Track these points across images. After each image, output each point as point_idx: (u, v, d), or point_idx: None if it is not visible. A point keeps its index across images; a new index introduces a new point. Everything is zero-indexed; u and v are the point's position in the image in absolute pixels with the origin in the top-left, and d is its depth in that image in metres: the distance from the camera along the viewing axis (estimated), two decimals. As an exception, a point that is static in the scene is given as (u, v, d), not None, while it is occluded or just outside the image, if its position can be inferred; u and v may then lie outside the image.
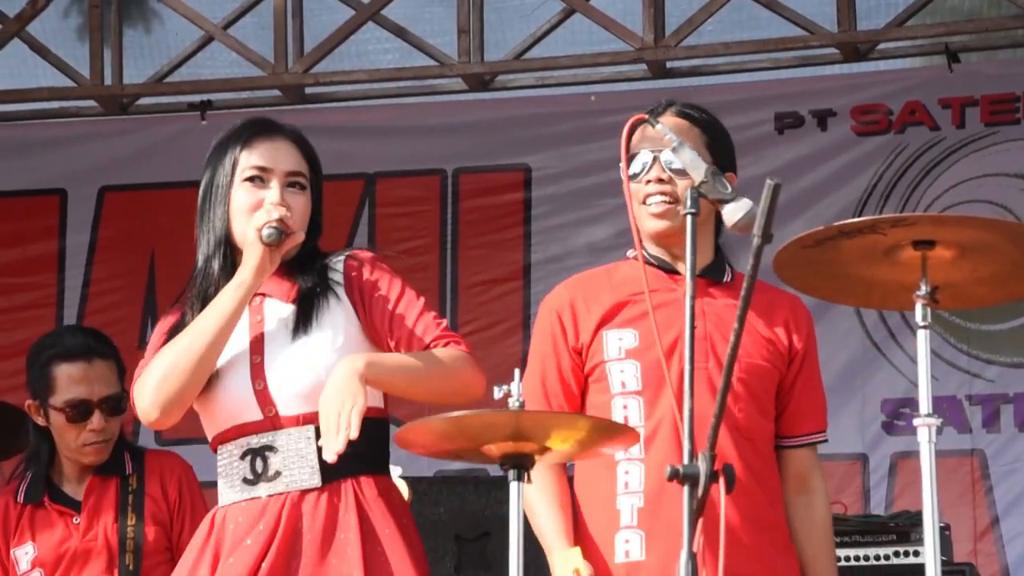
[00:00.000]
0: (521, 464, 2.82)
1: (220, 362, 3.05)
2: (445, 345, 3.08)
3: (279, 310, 3.08)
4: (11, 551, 4.01)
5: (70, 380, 3.98)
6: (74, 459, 4.01)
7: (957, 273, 2.77)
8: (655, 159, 3.08)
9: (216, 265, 3.08)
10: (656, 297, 3.03)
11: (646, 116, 2.98)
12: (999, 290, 2.84)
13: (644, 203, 3.10)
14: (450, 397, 3.03)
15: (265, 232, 3.00)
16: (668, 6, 6.06)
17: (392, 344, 3.07)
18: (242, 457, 3.03)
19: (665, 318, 3.01)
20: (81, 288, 6.39)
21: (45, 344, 4.09)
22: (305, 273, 3.09)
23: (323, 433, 2.91)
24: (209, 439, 3.12)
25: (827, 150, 6.07)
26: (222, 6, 6.33)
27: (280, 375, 3.03)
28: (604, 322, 3.11)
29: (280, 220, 3.03)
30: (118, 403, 3.98)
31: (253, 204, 3.06)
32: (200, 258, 3.11)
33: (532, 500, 3.11)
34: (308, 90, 6.34)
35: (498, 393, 2.84)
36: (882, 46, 6.15)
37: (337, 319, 3.06)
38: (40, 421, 4.03)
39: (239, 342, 3.07)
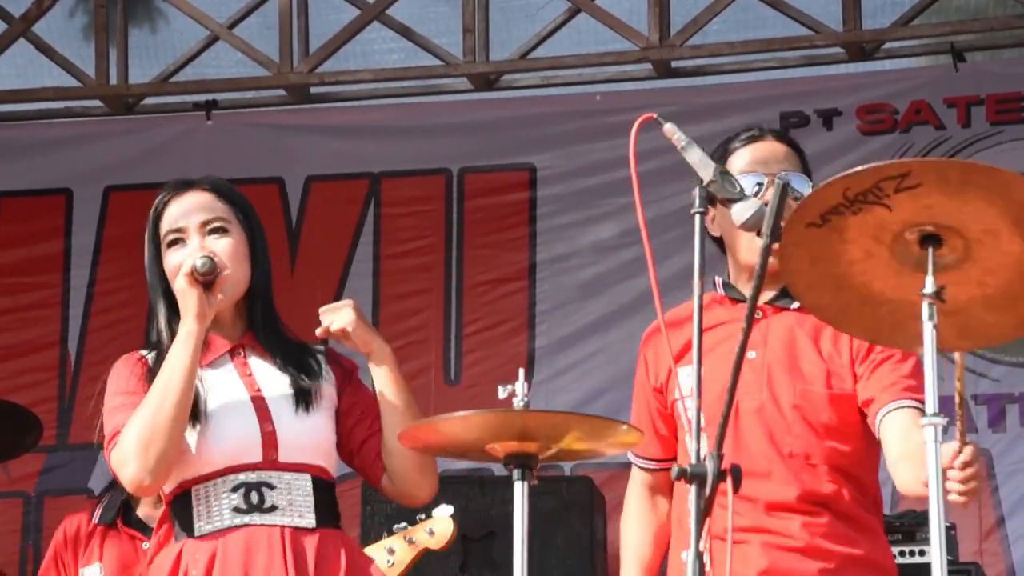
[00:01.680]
0: (525, 464, 2.82)
1: (214, 407, 3.06)
2: None
3: (267, 367, 3.11)
4: (79, 569, 4.01)
5: None
6: None
7: (962, 292, 2.65)
8: (771, 182, 3.10)
9: (165, 335, 3.12)
10: (727, 329, 3.03)
11: (655, 115, 2.98)
12: (1007, 313, 2.71)
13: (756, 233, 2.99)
14: (417, 466, 3.09)
15: (199, 262, 3.01)
16: (673, 6, 6.06)
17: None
18: (233, 490, 3.04)
19: (726, 351, 2.96)
20: (86, 288, 6.40)
21: None
22: (275, 332, 3.14)
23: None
24: (180, 482, 3.07)
25: (833, 150, 6.07)
26: (227, 6, 6.33)
27: (290, 421, 3.06)
28: (678, 359, 3.09)
29: (205, 256, 3.03)
30: None
31: (179, 264, 3.08)
32: (153, 331, 3.15)
33: (626, 527, 3.23)
34: (313, 90, 6.35)
35: (503, 393, 2.84)
36: (887, 45, 6.14)
37: (332, 398, 3.12)
38: None
39: (232, 387, 3.09)
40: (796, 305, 3.12)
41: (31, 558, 6.00)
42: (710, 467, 2.52)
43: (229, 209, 3.12)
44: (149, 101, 6.52)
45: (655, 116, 2.92)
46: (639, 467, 3.24)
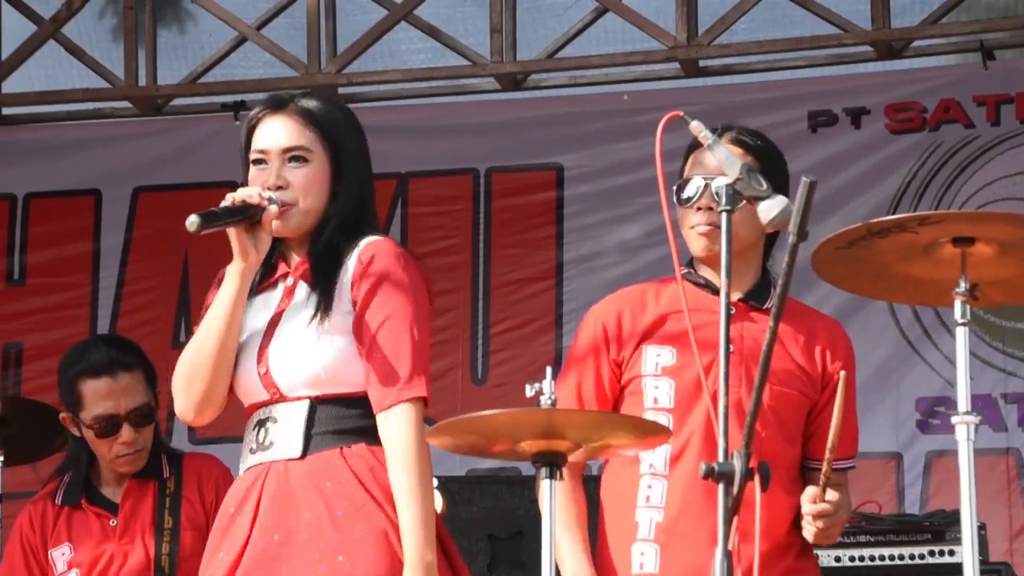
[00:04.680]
0: (553, 462, 2.82)
1: (243, 341, 3.09)
2: (393, 407, 3.01)
3: (304, 295, 3.10)
4: (48, 552, 4.03)
5: (96, 396, 3.99)
6: (110, 468, 4.03)
7: (1002, 269, 2.75)
8: (706, 186, 3.13)
9: None
10: (697, 317, 3.03)
11: (681, 113, 2.98)
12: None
13: (692, 227, 3.14)
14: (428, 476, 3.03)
15: (186, 222, 3.02)
16: (701, 5, 6.05)
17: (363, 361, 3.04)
18: (253, 428, 3.09)
19: (704, 339, 3.01)
20: (115, 288, 6.42)
21: (71, 360, 4.10)
22: (325, 256, 3.08)
23: None
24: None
25: (861, 148, 6.05)
26: (255, 7, 6.35)
27: (281, 362, 3.05)
28: (645, 336, 3.14)
29: (241, 199, 3.01)
30: (147, 413, 4.00)
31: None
32: None
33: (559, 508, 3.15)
34: (341, 90, 6.35)
35: (530, 391, 2.84)
36: (916, 44, 6.12)
37: (343, 311, 3.06)
38: (75, 432, 4.06)
39: (259, 322, 3.10)
40: (767, 305, 3.16)
41: None
42: (738, 465, 2.51)
43: (315, 136, 3.11)
44: (177, 102, 6.54)
45: (681, 114, 2.92)
46: None
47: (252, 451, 3.08)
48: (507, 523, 5.19)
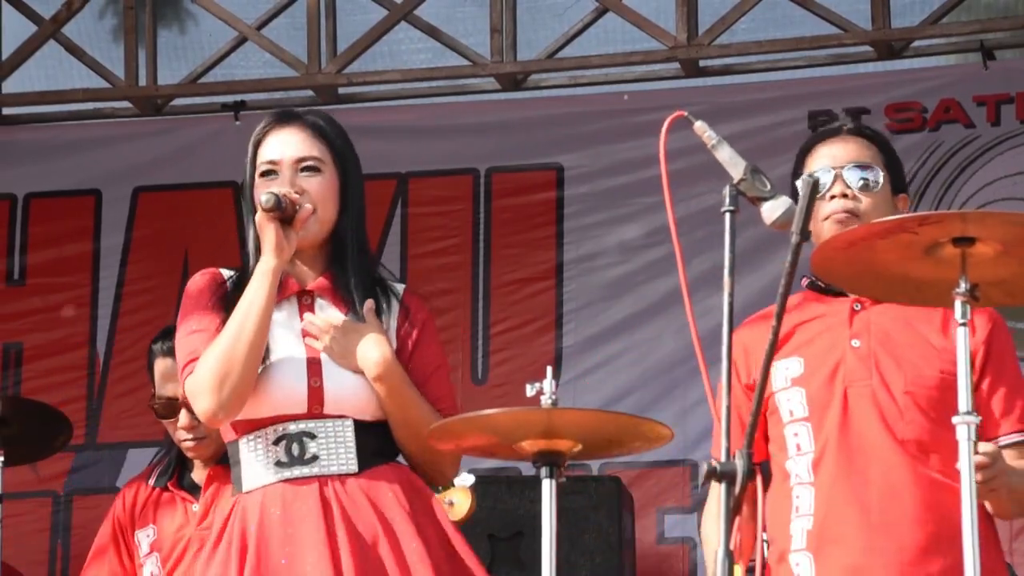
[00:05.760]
0: (553, 462, 2.82)
1: (273, 349, 3.09)
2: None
3: (332, 314, 3.10)
4: (135, 533, 4.04)
5: (163, 377, 4.05)
6: (186, 452, 4.04)
7: (1003, 269, 2.75)
8: (836, 176, 3.16)
9: (252, 260, 3.13)
10: (824, 322, 3.06)
11: (685, 113, 2.98)
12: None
13: (827, 219, 3.14)
14: (425, 448, 3.06)
15: (263, 197, 3.01)
16: (701, 5, 6.05)
17: None
18: (275, 442, 3.07)
19: (828, 342, 3.04)
20: (115, 288, 6.42)
21: (155, 338, 4.14)
22: (358, 277, 3.11)
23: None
24: (233, 427, 3.13)
25: (861, 148, 6.05)
26: (255, 7, 6.35)
27: (337, 379, 3.07)
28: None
29: (282, 194, 3.04)
30: None
31: None
32: (243, 254, 3.18)
33: (707, 531, 3.19)
34: (341, 90, 6.35)
35: (530, 391, 2.84)
36: (916, 44, 6.12)
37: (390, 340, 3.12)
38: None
39: (289, 337, 3.10)
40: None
41: (60, 557, 6.03)
42: (740, 465, 2.51)
43: (325, 149, 3.14)
44: (178, 102, 6.53)
45: (685, 114, 2.92)
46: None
47: (283, 464, 3.05)
48: (507, 523, 5.20)
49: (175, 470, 4.07)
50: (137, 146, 6.47)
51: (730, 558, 2.46)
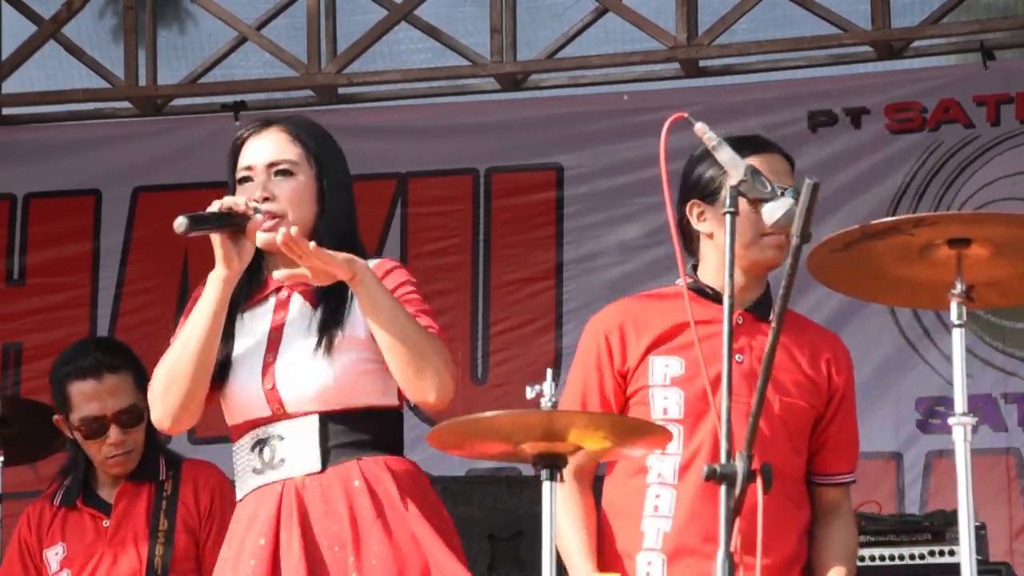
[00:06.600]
0: (554, 463, 2.82)
1: (236, 355, 3.09)
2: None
3: (302, 310, 3.10)
4: (43, 552, 4.04)
5: (82, 398, 4.02)
6: (103, 469, 4.04)
7: (998, 270, 2.75)
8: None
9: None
10: (705, 329, 3.02)
11: (686, 115, 2.98)
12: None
13: (765, 235, 3.09)
14: (415, 372, 2.99)
15: (175, 223, 3.00)
16: (701, 5, 6.05)
17: None
18: (252, 448, 3.09)
19: (712, 349, 3.00)
20: (115, 288, 6.42)
21: (59, 363, 4.13)
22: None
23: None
24: (230, 436, 3.17)
25: (861, 148, 6.05)
26: (255, 7, 6.35)
27: (289, 378, 3.06)
28: (652, 347, 3.13)
29: (225, 207, 3.02)
30: (136, 414, 4.00)
31: None
32: None
33: (558, 518, 3.12)
34: (341, 90, 6.36)
35: (530, 393, 2.84)
36: (916, 44, 6.12)
37: (356, 328, 3.08)
38: (68, 434, 4.08)
39: (256, 338, 3.11)
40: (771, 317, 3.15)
41: None
42: (740, 467, 2.51)
43: (300, 152, 3.14)
44: (178, 102, 6.54)
45: (686, 115, 2.92)
46: None
47: (257, 471, 3.07)
48: (507, 523, 5.19)
49: (81, 487, 4.06)
50: (137, 146, 6.47)
51: (730, 560, 2.46)
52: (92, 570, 3.99)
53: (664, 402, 3.10)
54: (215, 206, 3.04)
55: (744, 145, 3.09)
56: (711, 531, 2.95)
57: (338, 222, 3.15)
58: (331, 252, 3.00)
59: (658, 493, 3.09)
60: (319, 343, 3.05)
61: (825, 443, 3.17)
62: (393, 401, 3.12)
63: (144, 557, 3.95)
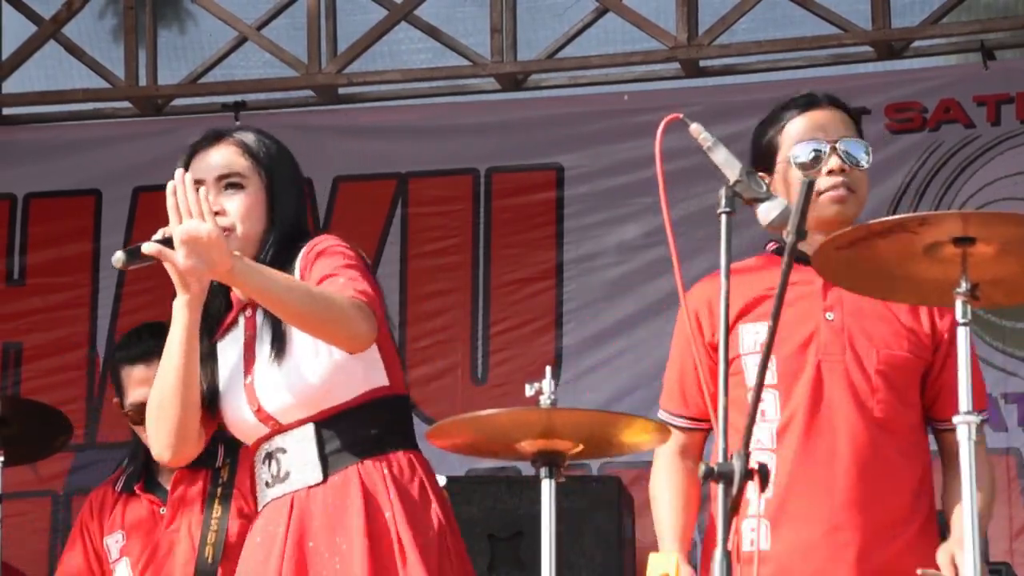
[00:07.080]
0: (553, 461, 2.82)
1: (222, 382, 3.10)
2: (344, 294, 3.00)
3: (264, 323, 3.11)
4: (104, 539, 4.05)
5: (133, 383, 4.04)
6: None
7: (1003, 269, 2.76)
8: (832, 149, 3.14)
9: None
10: (795, 290, 3.01)
11: (681, 116, 2.99)
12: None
13: (822, 194, 3.12)
14: (322, 326, 2.94)
15: (112, 259, 3.04)
16: (701, 5, 6.05)
17: None
18: (263, 462, 3.10)
19: (801, 311, 3.01)
20: (115, 288, 6.42)
21: (116, 348, 4.18)
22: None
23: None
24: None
25: (861, 148, 6.04)
26: (256, 7, 6.35)
27: (268, 393, 3.07)
28: (740, 316, 3.13)
29: (167, 237, 3.01)
30: None
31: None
32: None
33: (656, 490, 3.17)
34: (341, 90, 6.36)
35: (530, 391, 2.84)
36: (916, 44, 6.12)
37: None
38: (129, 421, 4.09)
39: (234, 361, 3.12)
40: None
41: (59, 557, 6.03)
42: (738, 466, 2.51)
43: (249, 164, 3.15)
44: (178, 102, 6.54)
45: (681, 117, 2.92)
46: (672, 425, 3.17)
47: (268, 484, 3.08)
48: (507, 523, 5.19)
49: (142, 473, 4.05)
50: (137, 146, 6.47)
51: (728, 558, 2.46)
52: (149, 557, 3.99)
53: (757, 368, 3.11)
54: (158, 235, 3.05)
55: (792, 106, 3.16)
56: (813, 495, 2.98)
57: (284, 234, 3.15)
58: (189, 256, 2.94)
59: (759, 459, 3.08)
60: (271, 351, 3.05)
61: (942, 389, 3.13)
62: (383, 382, 3.08)
63: (196, 544, 3.95)
